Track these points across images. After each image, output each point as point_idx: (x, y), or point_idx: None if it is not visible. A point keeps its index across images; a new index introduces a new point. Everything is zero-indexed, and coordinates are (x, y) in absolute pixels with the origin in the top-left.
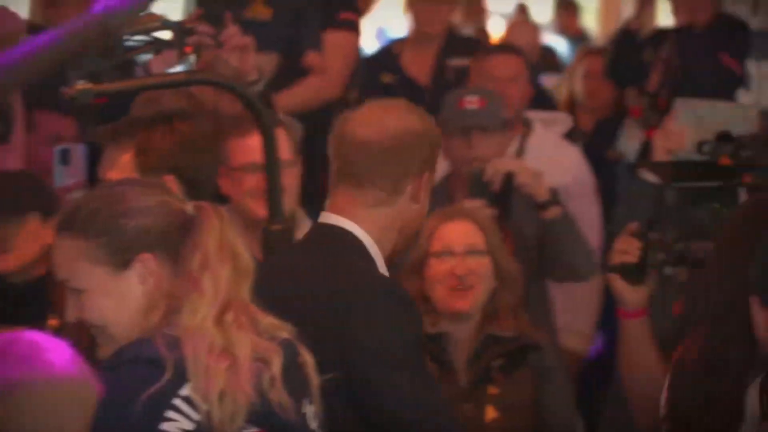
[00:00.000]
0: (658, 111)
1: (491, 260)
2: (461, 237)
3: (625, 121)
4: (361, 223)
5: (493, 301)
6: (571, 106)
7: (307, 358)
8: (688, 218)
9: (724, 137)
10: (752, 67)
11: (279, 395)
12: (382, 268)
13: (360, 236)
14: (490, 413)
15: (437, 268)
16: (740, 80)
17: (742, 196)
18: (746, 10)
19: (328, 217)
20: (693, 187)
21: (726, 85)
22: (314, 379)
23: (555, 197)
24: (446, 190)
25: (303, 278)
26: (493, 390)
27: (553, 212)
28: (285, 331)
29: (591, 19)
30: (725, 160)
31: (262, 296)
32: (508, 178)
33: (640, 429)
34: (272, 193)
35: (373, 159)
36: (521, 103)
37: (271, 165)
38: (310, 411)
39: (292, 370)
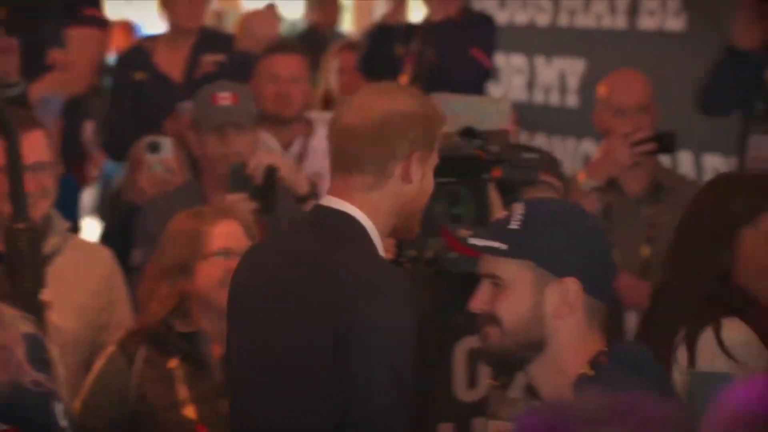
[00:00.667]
0: None
1: None
2: (236, 238)
3: None
4: (359, 206)
5: None
6: (327, 102)
7: (54, 354)
8: (429, 214)
9: (467, 132)
10: (501, 60)
11: (30, 376)
12: (381, 251)
13: (360, 219)
14: None
15: (216, 267)
16: (489, 73)
17: (492, 190)
18: (494, 5)
19: (329, 201)
20: (439, 183)
21: (476, 78)
22: (62, 375)
23: (314, 190)
24: (199, 187)
25: (303, 259)
26: None
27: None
28: (29, 324)
29: (345, 14)
30: (479, 154)
31: (260, 277)
32: (270, 171)
33: None
34: (15, 193)
35: (358, 144)
36: (303, 103)
37: (13, 166)
38: (60, 408)
39: (40, 366)
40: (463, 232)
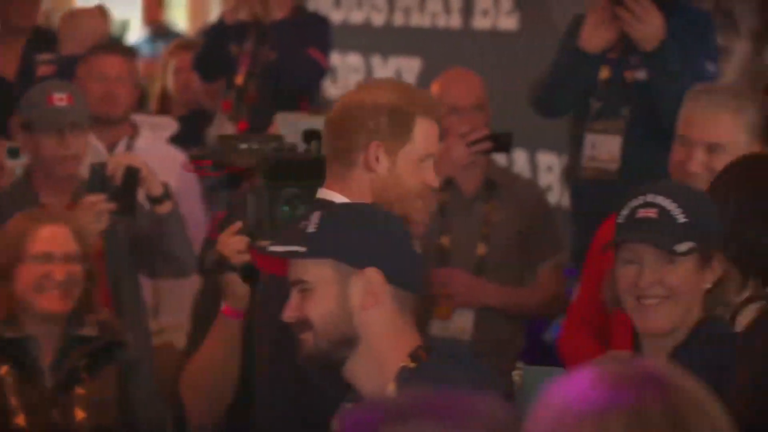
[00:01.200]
0: (246, 104)
1: (83, 264)
2: (60, 242)
3: (216, 115)
4: (343, 194)
5: (82, 301)
6: (164, 101)
7: None
8: (272, 217)
9: (311, 135)
10: (336, 59)
11: None
12: None
13: None
14: (79, 414)
15: (35, 272)
16: (326, 72)
17: None
18: (329, 4)
19: (322, 193)
20: (281, 186)
21: (313, 77)
22: None
23: (167, 192)
24: (30, 188)
25: None
26: (80, 391)
27: (166, 207)
28: None
29: (181, 14)
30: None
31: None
32: (131, 172)
33: (194, 426)
34: None
35: (326, 135)
36: (129, 103)
37: None
38: None
39: None
40: (263, 242)
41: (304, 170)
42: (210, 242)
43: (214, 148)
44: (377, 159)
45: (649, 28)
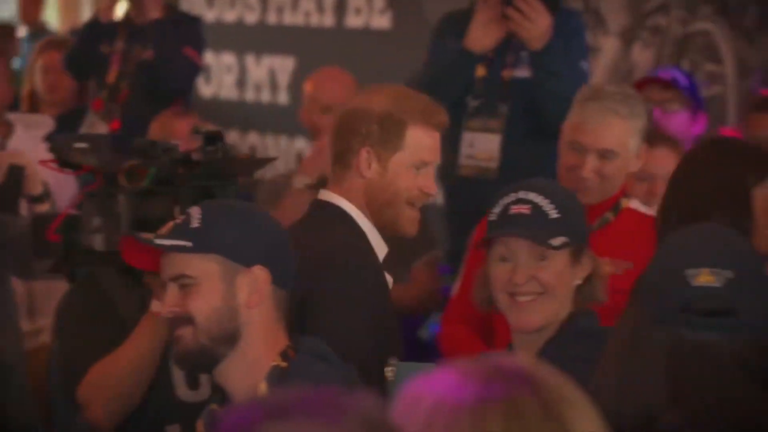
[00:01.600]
0: (118, 103)
1: None
2: None
3: (88, 114)
4: (342, 195)
5: None
6: (33, 101)
7: None
8: None
9: (215, 137)
10: (210, 58)
11: None
12: (375, 238)
13: (345, 208)
14: None
15: None
16: (200, 71)
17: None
18: (202, 3)
19: (321, 193)
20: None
21: (189, 76)
22: None
23: (47, 191)
24: None
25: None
26: None
27: (45, 206)
28: None
29: (53, 13)
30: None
31: None
32: (14, 171)
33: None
34: None
35: (330, 137)
36: (1, 101)
37: None
38: None
39: None
40: (146, 235)
41: (209, 170)
42: (48, 243)
43: (52, 147)
44: (369, 165)
45: (538, 28)
